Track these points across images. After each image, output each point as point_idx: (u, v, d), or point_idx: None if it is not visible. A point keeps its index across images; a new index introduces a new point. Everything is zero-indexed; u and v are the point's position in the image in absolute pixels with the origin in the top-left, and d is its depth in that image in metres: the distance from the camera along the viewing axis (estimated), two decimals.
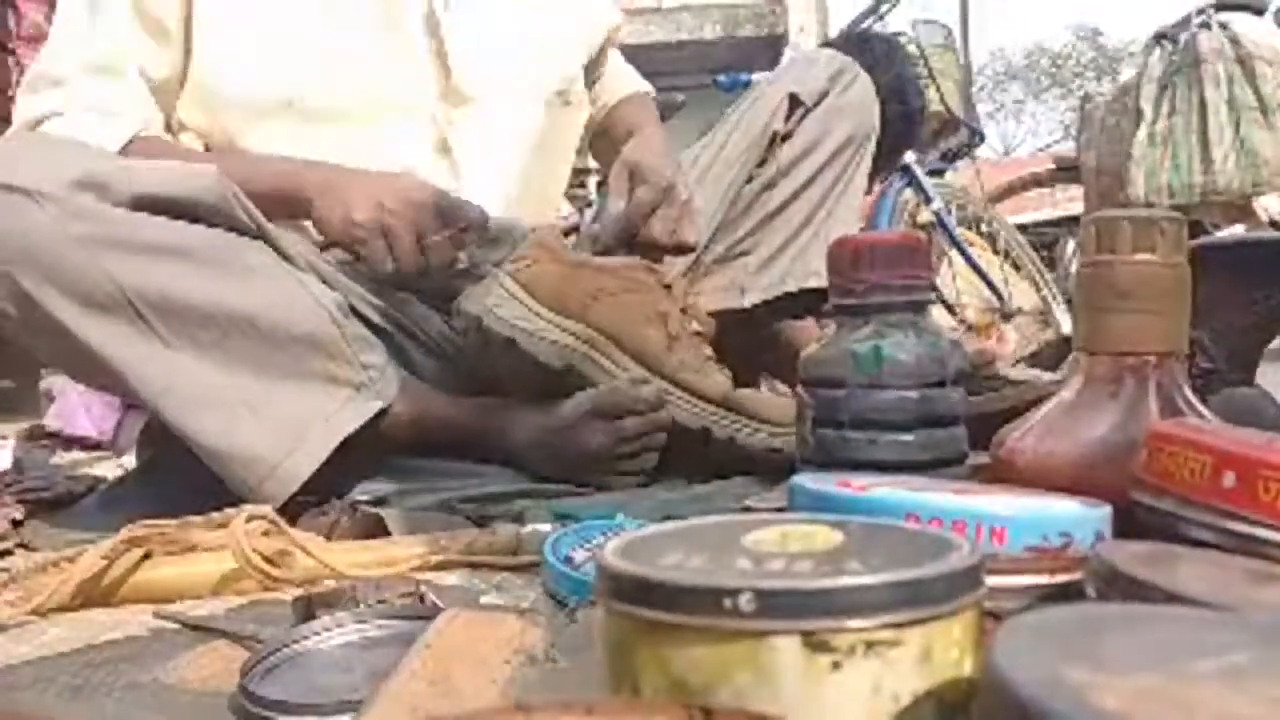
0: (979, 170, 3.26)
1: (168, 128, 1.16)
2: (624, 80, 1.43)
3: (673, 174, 1.10)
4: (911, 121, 2.55)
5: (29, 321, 0.88)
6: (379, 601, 0.53)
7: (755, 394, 1.07)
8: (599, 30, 1.36)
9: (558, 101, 1.28)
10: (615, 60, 1.44)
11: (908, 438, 0.45)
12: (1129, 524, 0.35)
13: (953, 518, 0.33)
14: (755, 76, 3.01)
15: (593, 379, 1.03)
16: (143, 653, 0.56)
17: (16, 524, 0.95)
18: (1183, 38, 3.02)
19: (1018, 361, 2.15)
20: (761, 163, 1.24)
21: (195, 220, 0.91)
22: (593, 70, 1.37)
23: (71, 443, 1.50)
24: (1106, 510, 0.35)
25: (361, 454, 0.97)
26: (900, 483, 0.37)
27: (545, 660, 0.44)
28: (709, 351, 1.08)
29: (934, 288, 0.51)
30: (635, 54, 1.49)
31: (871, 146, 1.28)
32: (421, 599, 0.53)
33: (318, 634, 0.50)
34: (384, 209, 1.01)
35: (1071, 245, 5.20)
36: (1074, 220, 4.07)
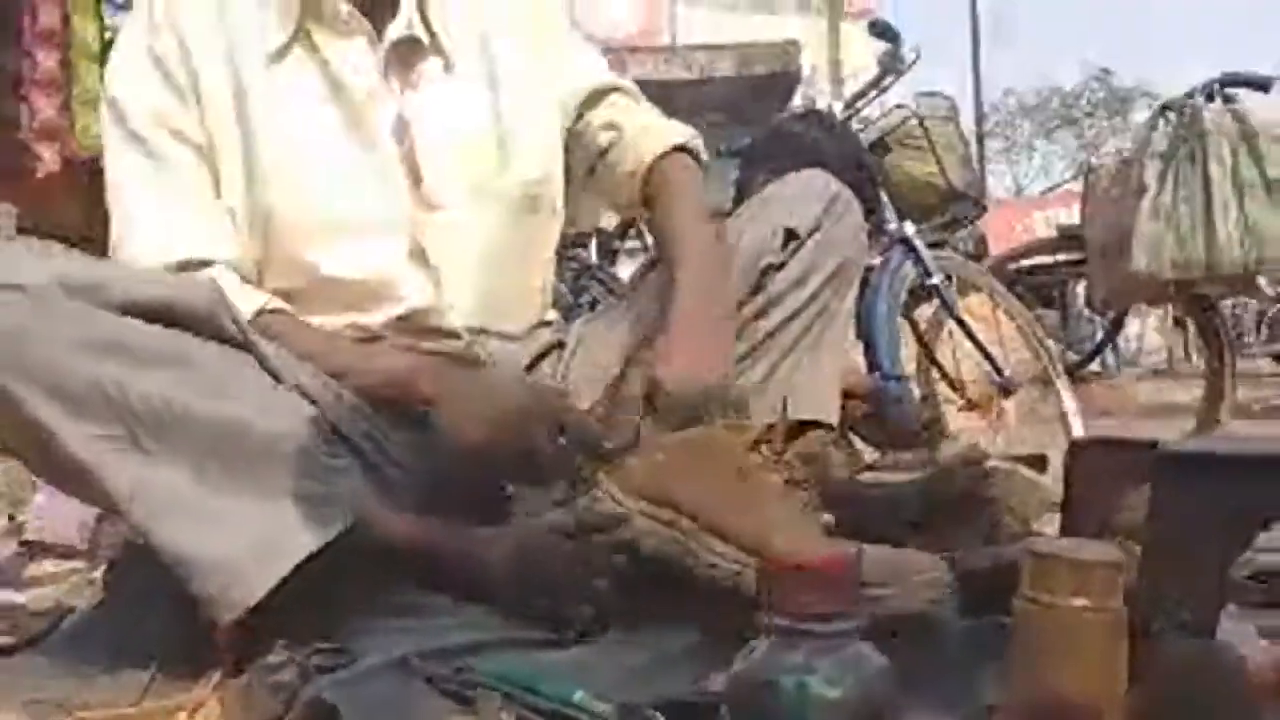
0: (983, 238, 3.25)
1: None
2: (657, 134, 1.27)
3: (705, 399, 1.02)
4: (871, 183, 2.59)
5: (13, 424, 0.90)
6: None
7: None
8: (568, 109, 1.30)
9: (526, 206, 1.25)
10: (644, 110, 1.33)
11: None
12: None
13: None
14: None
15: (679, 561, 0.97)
16: None
17: None
18: (1187, 110, 3.01)
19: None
20: (754, 291, 1.22)
21: (183, 327, 0.92)
22: (587, 110, 1.31)
23: (46, 550, 1.48)
24: None
25: (329, 583, 0.95)
26: None
27: None
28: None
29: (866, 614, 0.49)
30: (649, 91, 1.41)
31: (859, 273, 1.27)
32: None
33: None
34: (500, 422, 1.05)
35: (1081, 290, 5.15)
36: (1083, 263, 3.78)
